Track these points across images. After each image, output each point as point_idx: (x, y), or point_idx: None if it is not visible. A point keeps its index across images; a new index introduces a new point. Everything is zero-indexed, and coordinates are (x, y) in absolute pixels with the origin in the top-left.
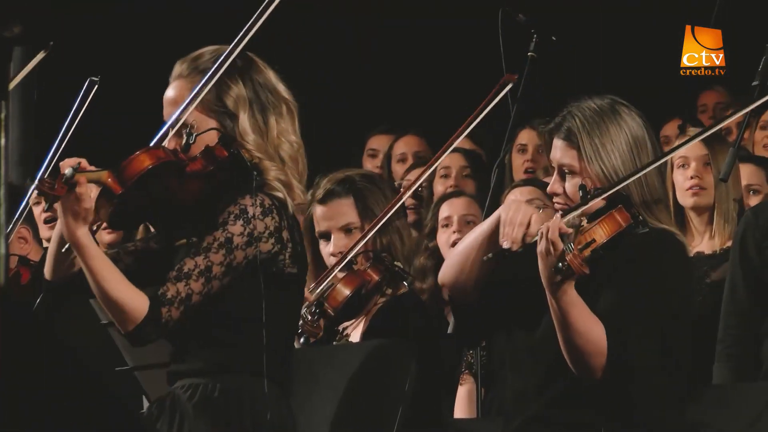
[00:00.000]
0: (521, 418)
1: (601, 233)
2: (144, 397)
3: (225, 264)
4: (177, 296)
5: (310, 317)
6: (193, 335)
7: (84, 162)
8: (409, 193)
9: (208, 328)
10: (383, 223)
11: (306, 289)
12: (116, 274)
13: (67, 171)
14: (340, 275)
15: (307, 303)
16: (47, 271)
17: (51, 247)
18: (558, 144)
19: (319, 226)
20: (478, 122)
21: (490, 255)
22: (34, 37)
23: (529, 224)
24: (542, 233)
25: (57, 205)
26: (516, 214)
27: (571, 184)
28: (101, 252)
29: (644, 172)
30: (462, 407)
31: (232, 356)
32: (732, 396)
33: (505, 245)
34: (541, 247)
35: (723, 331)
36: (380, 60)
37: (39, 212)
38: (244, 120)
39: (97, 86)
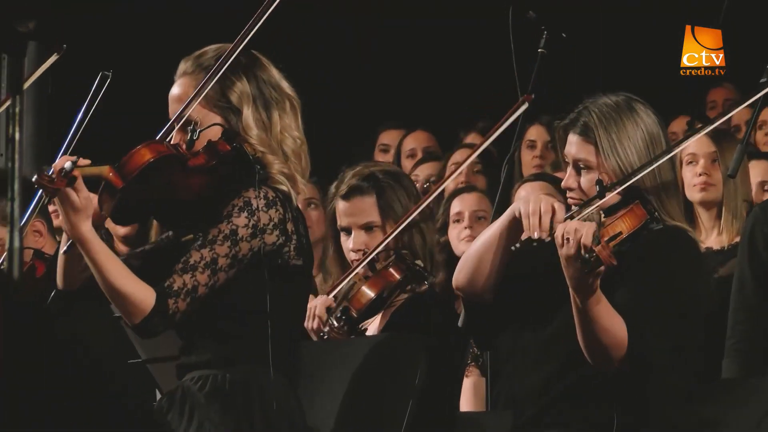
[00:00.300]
0: (531, 412)
1: (624, 226)
2: (157, 390)
3: (230, 256)
4: (183, 288)
5: (336, 323)
6: (201, 328)
7: (81, 159)
8: (433, 196)
9: (215, 320)
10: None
11: (327, 292)
12: (122, 268)
13: (67, 164)
14: (362, 272)
15: (330, 307)
16: (59, 280)
17: (60, 255)
18: (574, 139)
19: (341, 221)
20: (493, 141)
21: (517, 245)
22: (47, 32)
23: (554, 211)
24: (567, 235)
25: (57, 201)
26: (537, 204)
27: (587, 179)
28: (105, 246)
29: (658, 163)
30: (467, 400)
31: (239, 348)
32: (741, 391)
33: (536, 235)
34: (569, 250)
35: (732, 326)
36: (380, 60)
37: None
38: (248, 115)
39: (109, 80)
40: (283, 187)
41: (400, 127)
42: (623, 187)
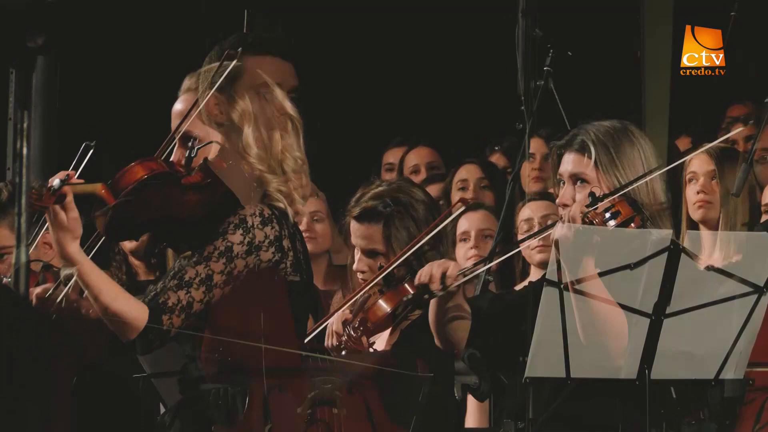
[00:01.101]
0: (540, 420)
1: (619, 207)
2: (161, 404)
3: (225, 272)
4: (178, 304)
5: (354, 334)
6: (200, 343)
7: (72, 174)
8: (442, 225)
9: (214, 335)
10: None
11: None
12: (113, 287)
13: (55, 182)
14: (379, 288)
15: (346, 320)
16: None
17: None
18: (570, 157)
19: (351, 238)
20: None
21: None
22: (57, 47)
23: (448, 267)
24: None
25: (47, 220)
26: (437, 262)
27: (583, 195)
28: (95, 266)
29: (653, 175)
30: (471, 416)
31: (240, 362)
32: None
33: (424, 281)
34: (560, 229)
35: None
36: (381, 61)
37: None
38: (248, 134)
39: (92, 151)
40: (280, 205)
41: (402, 144)
42: (615, 195)
